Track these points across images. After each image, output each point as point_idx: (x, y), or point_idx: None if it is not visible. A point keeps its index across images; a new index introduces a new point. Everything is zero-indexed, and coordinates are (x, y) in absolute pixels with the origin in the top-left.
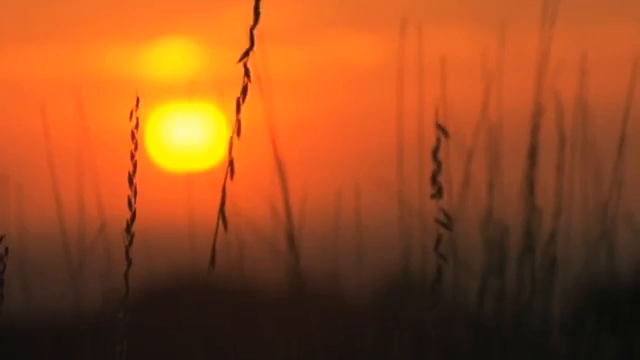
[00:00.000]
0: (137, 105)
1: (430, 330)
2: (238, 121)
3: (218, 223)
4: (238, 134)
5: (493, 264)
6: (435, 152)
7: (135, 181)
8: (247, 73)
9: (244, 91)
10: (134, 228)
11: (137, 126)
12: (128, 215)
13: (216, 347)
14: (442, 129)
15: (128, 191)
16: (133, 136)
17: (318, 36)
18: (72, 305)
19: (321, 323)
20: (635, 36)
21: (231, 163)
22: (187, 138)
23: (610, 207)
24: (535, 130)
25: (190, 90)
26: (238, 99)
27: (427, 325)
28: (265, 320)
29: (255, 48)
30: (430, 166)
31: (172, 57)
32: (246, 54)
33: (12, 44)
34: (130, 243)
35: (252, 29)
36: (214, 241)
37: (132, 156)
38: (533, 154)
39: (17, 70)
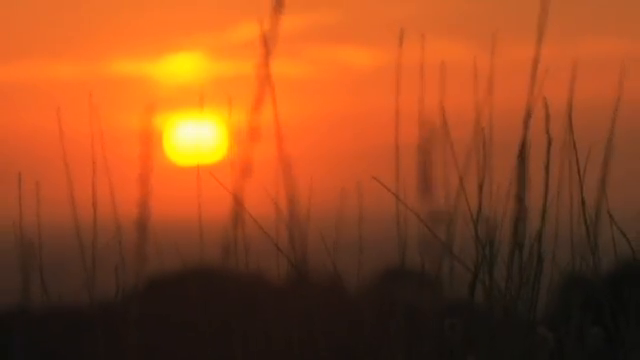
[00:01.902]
0: (150, 111)
1: (445, 327)
2: (255, 126)
3: (235, 222)
4: (255, 138)
5: (484, 259)
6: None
7: (149, 183)
8: (266, 80)
9: (261, 98)
10: (146, 230)
11: (150, 131)
12: (142, 213)
13: (220, 334)
14: (430, 127)
15: (142, 191)
16: (147, 140)
17: (321, 43)
18: (87, 295)
19: (322, 311)
20: (619, 45)
21: (248, 163)
22: (195, 137)
23: (595, 205)
24: (525, 133)
25: (198, 94)
26: (254, 104)
27: (427, 316)
28: (268, 308)
29: (269, 56)
30: (425, 163)
31: (183, 66)
32: (264, 61)
33: (37, 55)
34: (144, 241)
35: (268, 39)
36: (234, 237)
37: (146, 159)
38: (522, 155)
39: (42, 79)
